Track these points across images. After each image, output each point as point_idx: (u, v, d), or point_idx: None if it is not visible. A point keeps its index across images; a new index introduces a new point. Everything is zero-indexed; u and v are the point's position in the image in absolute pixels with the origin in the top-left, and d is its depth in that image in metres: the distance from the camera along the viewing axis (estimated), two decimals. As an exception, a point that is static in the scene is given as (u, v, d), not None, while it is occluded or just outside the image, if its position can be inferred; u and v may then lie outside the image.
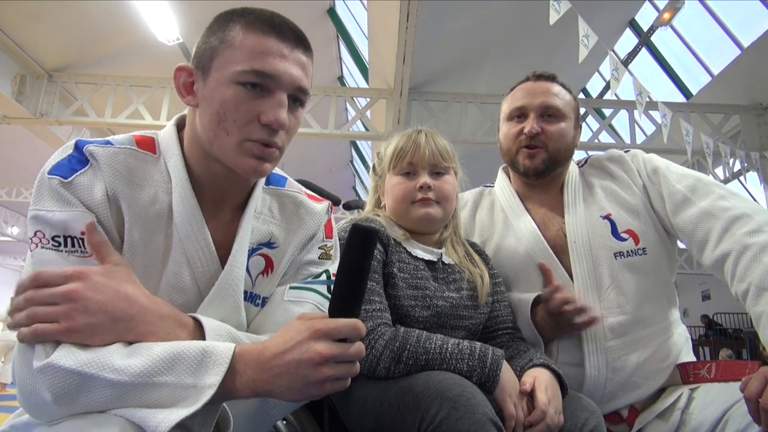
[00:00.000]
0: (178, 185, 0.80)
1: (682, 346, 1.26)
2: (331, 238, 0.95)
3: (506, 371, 0.98)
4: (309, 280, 0.90)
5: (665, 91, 8.01)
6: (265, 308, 0.88)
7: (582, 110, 1.50)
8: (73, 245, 0.72)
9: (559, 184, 1.36)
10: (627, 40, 8.35)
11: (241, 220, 0.84)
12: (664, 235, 1.26)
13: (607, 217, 1.26)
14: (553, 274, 1.22)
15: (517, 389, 0.97)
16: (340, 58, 10.30)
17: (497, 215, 1.40)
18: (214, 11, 0.81)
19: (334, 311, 0.69)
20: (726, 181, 7.18)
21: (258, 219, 0.88)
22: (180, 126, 0.86)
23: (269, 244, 0.88)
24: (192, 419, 0.64)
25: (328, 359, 0.66)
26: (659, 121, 5.16)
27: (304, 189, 0.96)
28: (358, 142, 11.96)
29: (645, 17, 7.91)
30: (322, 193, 1.12)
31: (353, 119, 7.08)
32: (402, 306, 1.07)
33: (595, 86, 9.37)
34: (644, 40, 8.05)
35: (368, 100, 6.84)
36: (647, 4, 7.58)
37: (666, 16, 7.22)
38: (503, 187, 1.42)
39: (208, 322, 0.74)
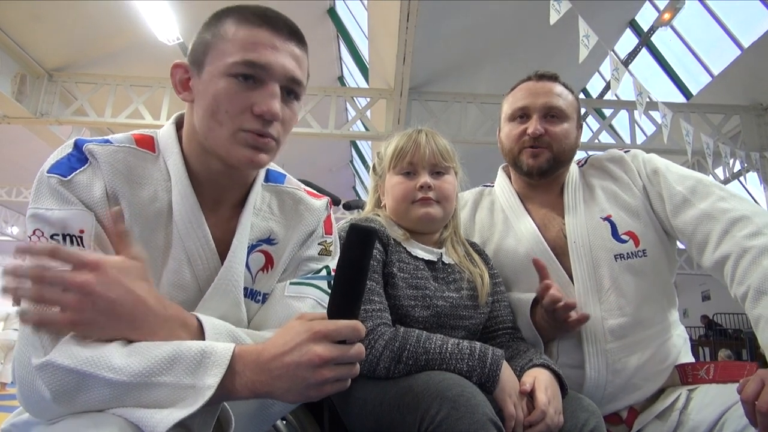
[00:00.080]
0: (177, 183, 0.80)
1: (681, 347, 1.26)
2: (331, 234, 0.95)
3: (506, 371, 0.97)
4: (309, 275, 0.90)
5: (665, 92, 8.02)
6: (265, 304, 0.88)
7: (582, 110, 1.50)
8: (72, 244, 0.72)
9: (560, 185, 1.35)
10: (627, 40, 8.36)
11: (240, 216, 0.84)
12: (664, 237, 1.26)
13: (608, 219, 1.26)
14: (547, 270, 1.21)
15: (517, 389, 0.97)
16: (340, 58, 10.31)
17: (497, 215, 1.39)
18: (214, 11, 0.81)
19: (334, 312, 0.69)
20: (726, 181, 7.18)
21: (257, 215, 0.88)
22: (179, 124, 0.86)
23: (269, 241, 0.88)
24: (192, 419, 0.64)
25: (328, 361, 0.65)
26: (659, 121, 5.16)
27: (303, 186, 0.96)
28: (358, 142, 11.97)
29: (645, 17, 7.92)
30: (323, 193, 1.12)
31: (353, 119, 7.09)
32: (402, 306, 1.07)
33: (595, 86, 9.38)
34: (644, 40, 8.06)
35: (368, 100, 6.84)
36: (647, 4, 7.58)
37: (666, 16, 7.22)
38: (503, 187, 1.42)
39: (208, 321, 0.73)
